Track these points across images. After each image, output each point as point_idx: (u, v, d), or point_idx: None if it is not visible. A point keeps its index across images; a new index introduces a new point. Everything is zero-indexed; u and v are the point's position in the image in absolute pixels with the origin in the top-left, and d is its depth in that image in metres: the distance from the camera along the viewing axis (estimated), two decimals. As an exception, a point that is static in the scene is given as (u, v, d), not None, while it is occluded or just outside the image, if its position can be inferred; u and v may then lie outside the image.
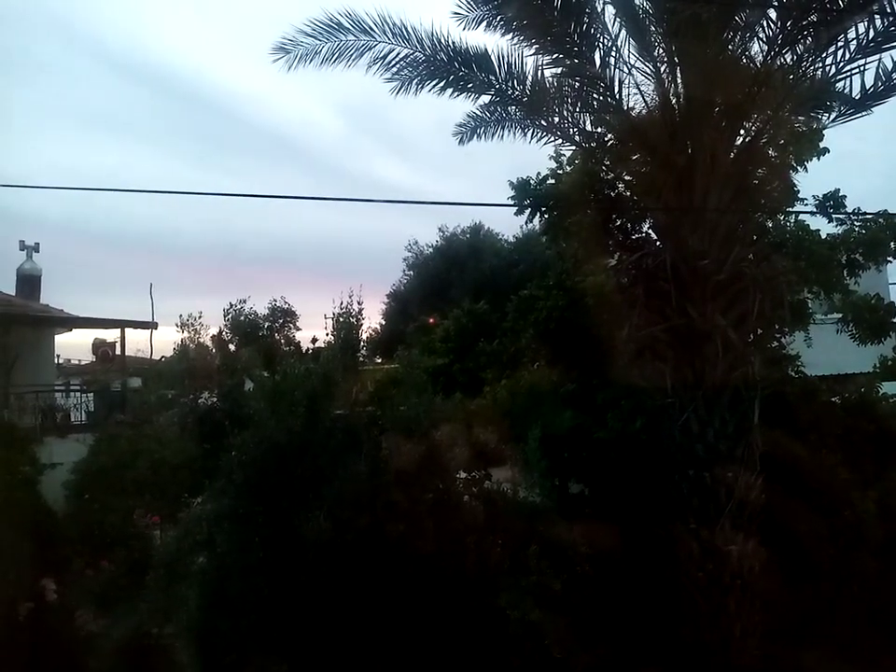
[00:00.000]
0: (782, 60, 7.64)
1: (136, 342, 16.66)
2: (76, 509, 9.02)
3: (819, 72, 7.71)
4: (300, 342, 23.99)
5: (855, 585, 7.71)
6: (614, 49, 8.02)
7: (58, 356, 19.60)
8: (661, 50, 7.90)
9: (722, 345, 7.33)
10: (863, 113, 8.04)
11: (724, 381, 7.43)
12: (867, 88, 7.73)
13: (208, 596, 6.71)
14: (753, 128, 8.03)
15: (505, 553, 7.27)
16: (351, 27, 7.90)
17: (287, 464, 7.11)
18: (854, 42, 7.39)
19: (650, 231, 9.28)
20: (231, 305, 18.80)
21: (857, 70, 7.58)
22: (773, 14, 7.41)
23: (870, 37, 7.33)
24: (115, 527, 8.67)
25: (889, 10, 7.06)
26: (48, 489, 9.01)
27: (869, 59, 7.52)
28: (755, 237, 8.81)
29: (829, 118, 8.42)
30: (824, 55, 7.58)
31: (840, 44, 7.44)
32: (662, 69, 7.93)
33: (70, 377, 20.38)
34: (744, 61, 7.78)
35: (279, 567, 6.70)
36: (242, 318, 19.75)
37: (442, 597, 6.77)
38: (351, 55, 8.13)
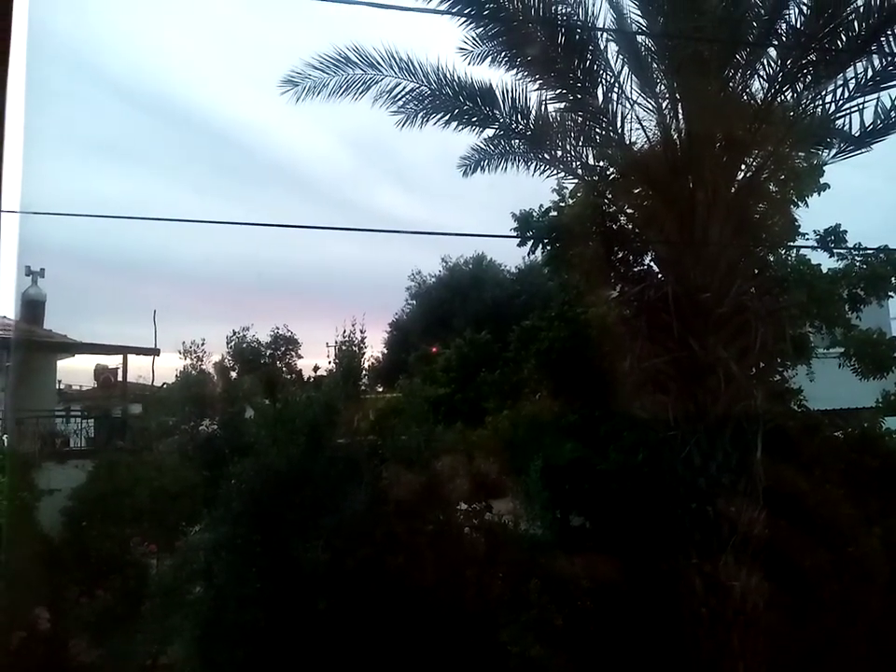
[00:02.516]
0: (782, 97, 7.75)
1: (138, 368, 16.68)
2: (72, 536, 8.94)
3: (818, 109, 7.81)
4: (301, 370, 23.88)
5: (860, 622, 7.59)
6: (617, 84, 8.14)
7: (59, 381, 19.61)
8: (663, 87, 8.03)
9: (725, 378, 7.31)
10: (863, 150, 8.12)
11: (727, 414, 7.40)
12: (866, 125, 7.82)
13: (204, 626, 6.62)
14: (754, 163, 8.11)
15: (505, 587, 7.19)
16: (358, 61, 8.04)
17: (287, 493, 7.07)
18: (853, 81, 7.50)
19: (652, 263, 9.33)
20: (234, 333, 18.79)
21: (856, 108, 7.68)
22: (773, 53, 7.56)
23: (868, 76, 7.44)
24: (111, 555, 8.59)
25: (886, 51, 7.18)
26: (45, 515, 8.95)
27: (868, 97, 7.62)
28: (756, 271, 8.85)
29: (829, 154, 8.50)
30: (824, 93, 7.69)
31: (839, 82, 7.55)
32: (664, 105, 8.04)
33: (71, 403, 20.35)
34: (745, 98, 7.89)
35: (277, 598, 6.62)
36: (244, 346, 19.74)
37: (442, 631, 6.67)
38: (358, 88, 8.27)
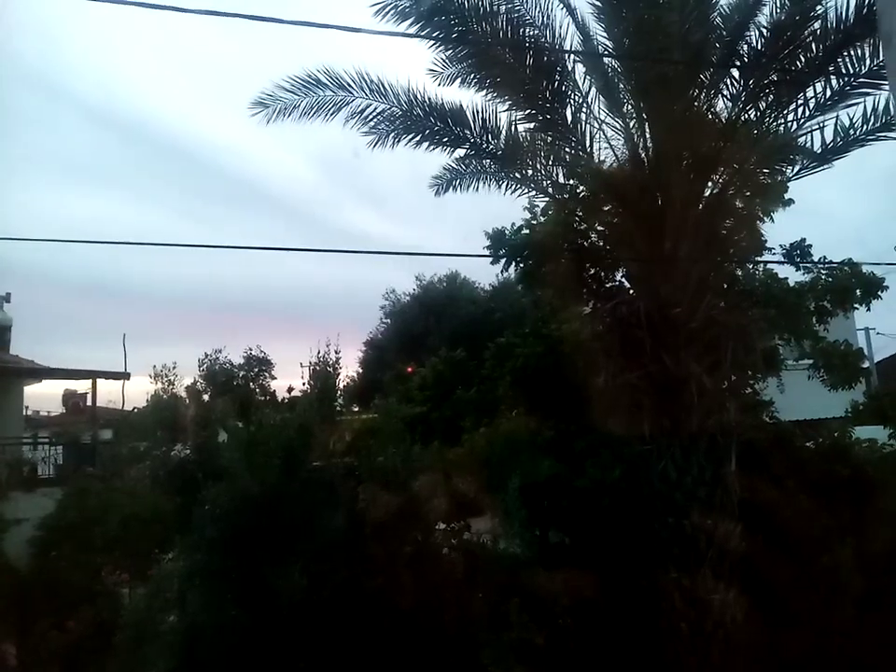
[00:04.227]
0: (746, 115, 7.96)
1: (108, 392, 16.48)
2: (41, 567, 8.69)
3: (781, 127, 8.04)
4: (275, 391, 23.72)
5: (836, 634, 7.65)
6: (585, 105, 8.30)
7: (27, 407, 19.21)
8: (630, 106, 8.19)
9: (698, 392, 7.40)
10: (825, 166, 8.35)
11: (701, 427, 7.49)
12: (827, 143, 8.04)
13: (179, 657, 6.47)
14: (720, 180, 8.29)
15: (486, 607, 7.14)
16: (329, 83, 8.09)
17: (262, 518, 6.97)
18: (813, 100, 7.75)
19: (623, 279, 9.43)
20: (206, 355, 18.61)
21: (817, 126, 7.91)
22: (736, 73, 7.76)
23: (827, 96, 7.69)
24: (82, 586, 8.36)
25: (843, 71, 7.41)
26: (12, 547, 8.70)
27: (828, 115, 7.86)
28: (725, 286, 9.00)
29: (793, 170, 8.71)
30: (786, 112, 7.92)
31: (800, 101, 7.79)
32: (631, 124, 8.20)
33: (39, 429, 19.92)
34: (710, 116, 8.07)
35: (253, 625, 6.50)
36: (216, 368, 19.54)
37: (422, 654, 6.60)
38: (329, 109, 8.32)
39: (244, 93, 8.37)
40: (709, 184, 8.29)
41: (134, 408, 14.50)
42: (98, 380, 16.30)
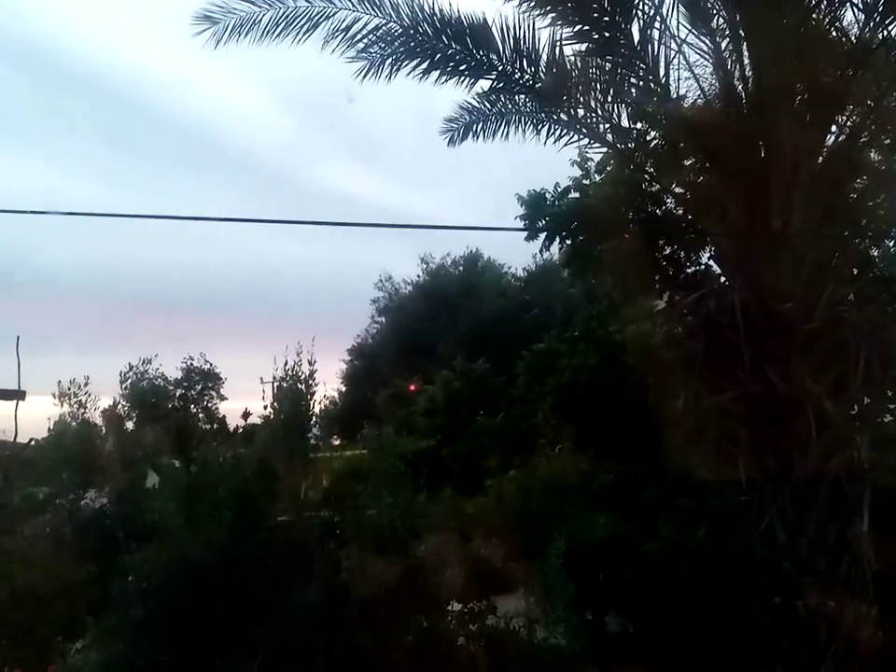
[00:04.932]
0: (885, 33, 7.90)
1: (-5, 418, 16.52)
2: None
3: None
4: (225, 416, 23.89)
5: None
6: (658, 18, 8.27)
7: None
8: (721, 20, 8.17)
9: (816, 420, 7.35)
10: None
11: (820, 470, 7.43)
12: None
13: None
14: (849, 123, 8.25)
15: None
16: (302, -13, 8.13)
17: (208, 593, 7.00)
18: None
19: (711, 262, 9.41)
20: (131, 367, 18.71)
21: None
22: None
23: None
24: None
25: None
26: None
27: None
28: (856, 271, 8.94)
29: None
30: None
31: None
32: (723, 45, 8.17)
33: None
34: (834, 34, 8.03)
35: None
36: (144, 385, 19.65)
37: None
38: (301, 25, 8.33)
39: (184, 6, 8.39)
40: (833, 128, 8.25)
41: (31, 439, 14.58)
42: (-19, 400, 16.45)
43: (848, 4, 7.92)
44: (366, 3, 8.27)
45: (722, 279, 8.84)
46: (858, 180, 8.79)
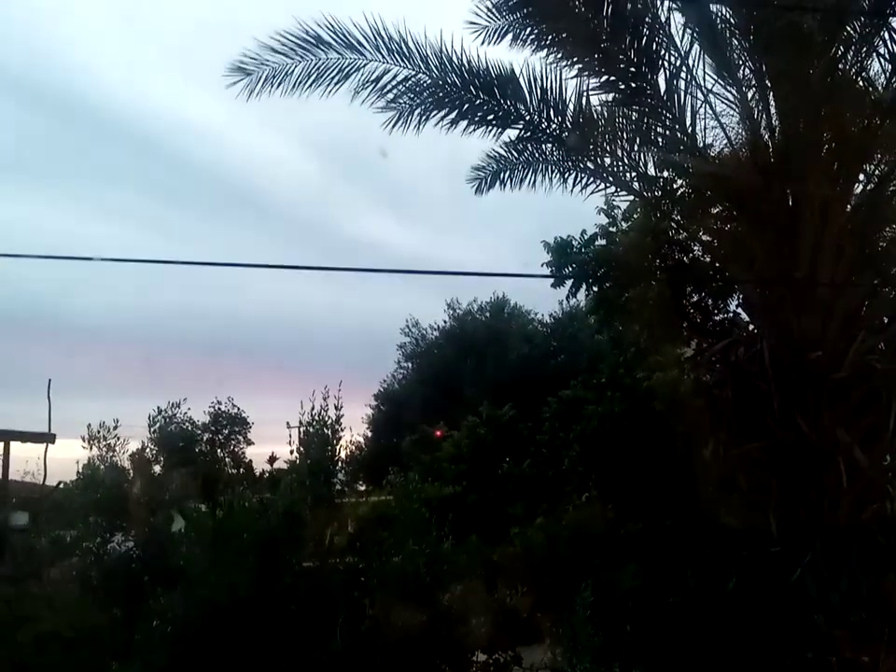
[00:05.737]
0: (912, 82, 7.92)
1: (25, 460, 16.61)
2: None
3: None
4: (252, 461, 23.94)
5: None
6: (684, 68, 8.34)
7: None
8: (747, 70, 8.22)
9: (848, 471, 7.27)
10: None
11: (853, 521, 7.33)
12: None
13: None
14: (877, 172, 8.23)
15: None
16: (333, 41, 8.26)
17: (232, 638, 6.97)
18: None
19: (739, 310, 9.37)
20: (160, 411, 18.84)
21: None
22: (896, 24, 7.75)
23: None
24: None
25: None
26: None
27: None
28: (886, 319, 8.87)
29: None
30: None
31: None
32: (749, 95, 8.22)
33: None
34: (861, 83, 8.05)
35: None
36: (173, 429, 19.78)
37: None
38: (332, 77, 8.48)
39: (219, 57, 8.55)
40: (861, 177, 8.24)
41: (60, 482, 14.66)
42: (11, 442, 16.54)
43: (875, 54, 7.96)
44: (396, 55, 8.40)
45: (751, 327, 8.80)
46: (887, 228, 8.75)
